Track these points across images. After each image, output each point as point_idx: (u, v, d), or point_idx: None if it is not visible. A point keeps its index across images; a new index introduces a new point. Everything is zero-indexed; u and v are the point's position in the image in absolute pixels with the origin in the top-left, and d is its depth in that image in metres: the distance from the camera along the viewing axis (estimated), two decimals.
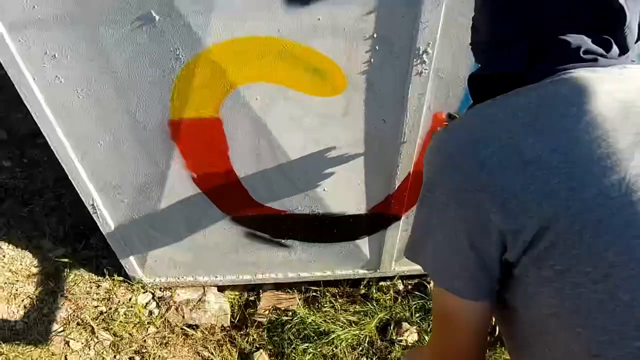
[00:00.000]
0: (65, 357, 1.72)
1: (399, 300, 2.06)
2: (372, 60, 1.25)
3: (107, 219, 1.66)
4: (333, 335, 1.90)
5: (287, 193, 1.61)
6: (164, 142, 1.41)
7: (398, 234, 1.80)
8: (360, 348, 1.93)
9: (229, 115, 1.36)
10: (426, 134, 1.45)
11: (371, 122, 1.41)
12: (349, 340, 1.92)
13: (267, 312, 2.06)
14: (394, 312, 2.02)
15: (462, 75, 1.31)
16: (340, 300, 2.09)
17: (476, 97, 0.68)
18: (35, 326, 1.75)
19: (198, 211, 1.67)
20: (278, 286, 2.12)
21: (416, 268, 2.03)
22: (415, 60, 1.24)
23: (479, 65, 0.71)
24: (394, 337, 1.95)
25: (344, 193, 1.63)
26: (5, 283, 1.82)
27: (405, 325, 1.98)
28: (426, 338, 1.93)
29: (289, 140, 1.44)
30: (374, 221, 1.76)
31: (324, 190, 1.61)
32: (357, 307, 2.05)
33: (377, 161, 1.53)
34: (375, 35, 1.20)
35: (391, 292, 2.09)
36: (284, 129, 1.41)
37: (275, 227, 1.77)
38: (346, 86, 1.31)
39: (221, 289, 2.11)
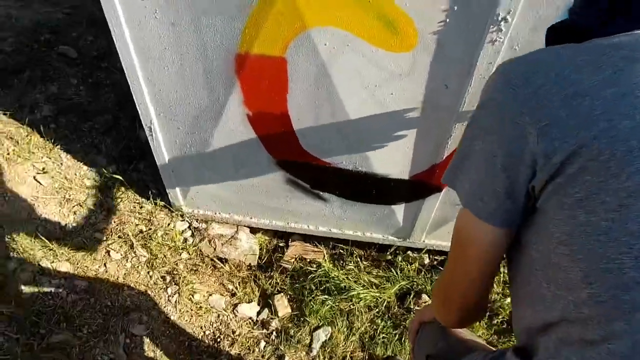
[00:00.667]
0: (105, 264, 1.85)
1: (423, 272, 2.08)
2: (447, 20, 1.22)
3: (160, 144, 1.73)
4: (353, 293, 1.95)
5: (336, 146, 1.63)
6: (227, 74, 1.44)
7: (436, 205, 1.79)
8: (377, 310, 1.97)
9: (295, 57, 1.37)
10: None
11: (433, 85, 1.39)
12: (368, 301, 1.97)
13: (293, 260, 2.12)
14: (415, 283, 2.04)
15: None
16: (365, 262, 2.12)
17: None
18: (82, 231, 1.87)
19: (246, 151, 1.71)
20: (307, 238, 2.17)
21: (445, 244, 2.03)
22: (492, 26, 1.20)
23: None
24: (412, 306, 1.98)
25: (390, 155, 1.63)
26: (61, 188, 1.95)
27: (424, 297, 2.00)
28: None
29: (348, 93, 1.44)
30: (415, 189, 1.76)
31: (372, 149, 1.61)
32: (381, 271, 2.09)
33: (431, 127, 1.51)
34: None
35: (416, 263, 2.11)
36: (345, 80, 1.41)
37: (317, 178, 1.79)
38: (416, 44, 1.29)
39: (253, 230, 2.18)
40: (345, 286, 1.97)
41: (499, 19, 1.18)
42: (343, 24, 1.27)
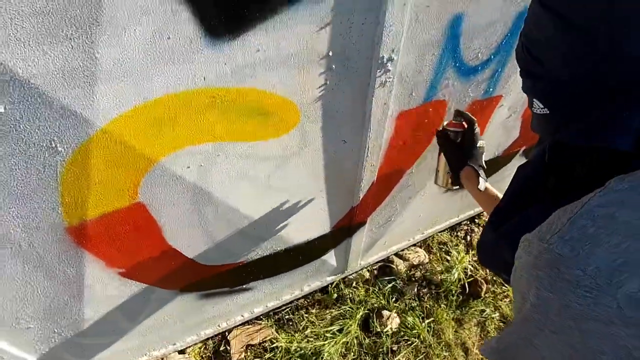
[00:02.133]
0: None
1: (370, 290, 1.95)
2: (327, 82, 0.95)
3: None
4: (324, 354, 1.74)
5: (243, 247, 1.30)
6: (66, 252, 0.97)
7: (363, 235, 1.63)
8: (352, 353, 1.81)
9: (153, 196, 0.96)
10: (390, 137, 1.23)
11: (330, 147, 1.13)
12: (339, 351, 1.78)
13: (242, 352, 1.79)
14: (370, 304, 1.91)
15: (425, 72, 1.09)
16: (314, 311, 1.90)
17: (563, 171, 0.57)
18: None
19: (137, 300, 1.26)
20: (245, 322, 1.84)
21: (380, 254, 1.91)
22: (378, 71, 0.97)
23: (545, 113, 0.56)
24: (379, 329, 1.86)
25: (306, 223, 1.37)
26: None
27: (385, 313, 1.89)
28: (407, 319, 1.88)
29: (239, 197, 1.10)
30: (339, 234, 1.56)
31: (285, 229, 1.33)
32: (333, 311, 1.90)
33: (340, 181, 1.28)
34: (330, 54, 0.89)
35: (360, 284, 1.97)
36: (230, 187, 1.06)
37: (234, 279, 1.45)
38: (299, 119, 1.00)
39: (182, 350, 1.76)
40: (312, 351, 1.75)
41: (385, 61, 0.95)
42: (206, 139, 0.90)
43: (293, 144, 1.05)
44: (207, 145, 0.92)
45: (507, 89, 1.36)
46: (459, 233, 2.19)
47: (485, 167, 1.02)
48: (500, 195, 0.90)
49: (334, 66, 0.92)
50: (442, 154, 1.08)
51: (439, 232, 2.11)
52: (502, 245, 0.67)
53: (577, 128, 0.55)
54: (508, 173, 1.97)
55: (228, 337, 1.84)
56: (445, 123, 1.06)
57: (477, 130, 1.02)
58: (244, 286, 1.55)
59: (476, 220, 2.25)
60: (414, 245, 2.07)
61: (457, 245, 2.13)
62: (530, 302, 0.48)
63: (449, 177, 1.09)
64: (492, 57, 1.17)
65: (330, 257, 1.67)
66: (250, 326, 1.87)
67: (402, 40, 0.94)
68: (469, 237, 2.18)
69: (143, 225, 1.03)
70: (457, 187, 1.07)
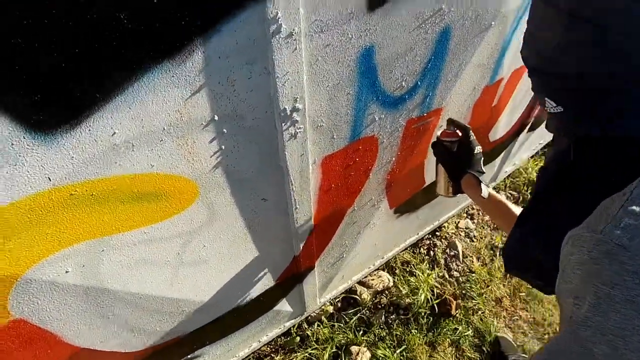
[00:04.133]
0: None
1: (335, 326, 1.81)
2: (222, 147, 0.79)
3: None
4: None
5: (172, 326, 1.12)
6: None
7: (315, 277, 1.48)
8: None
9: (32, 309, 0.78)
10: (319, 184, 1.07)
11: (248, 209, 0.97)
12: None
13: None
14: (337, 341, 1.77)
15: (343, 113, 0.94)
16: (277, 358, 1.74)
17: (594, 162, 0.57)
18: None
19: None
20: None
21: (340, 287, 1.77)
22: (284, 124, 0.81)
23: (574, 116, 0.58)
24: None
25: (242, 284, 1.20)
26: None
27: (353, 348, 1.75)
28: (378, 351, 1.74)
29: (146, 283, 0.93)
30: (287, 284, 1.40)
31: (217, 296, 1.16)
32: (299, 355, 1.74)
33: (271, 238, 1.13)
34: (216, 118, 0.73)
35: (324, 320, 1.82)
36: (131, 277, 0.88)
37: (172, 355, 1.27)
38: (199, 192, 0.83)
39: None
40: None
41: (288, 113, 0.80)
42: (80, 237, 0.73)
43: (199, 217, 0.89)
44: (84, 245, 0.75)
45: (444, 110, 1.23)
46: (421, 249, 2.07)
47: (484, 172, 1.01)
48: (505, 200, 0.95)
49: (225, 130, 0.76)
50: (440, 164, 1.08)
51: (400, 252, 1.99)
52: (531, 244, 0.67)
53: (594, 121, 0.55)
54: None
55: None
56: (439, 133, 1.05)
57: (473, 137, 1.02)
58: (190, 356, 1.37)
59: (437, 233, 2.14)
60: (377, 269, 1.94)
61: (420, 262, 2.01)
62: (587, 303, 0.44)
63: (449, 185, 1.08)
64: (419, 82, 1.04)
65: (284, 305, 1.52)
66: None
67: (304, 87, 0.79)
68: (431, 252, 2.06)
69: (34, 337, 0.84)
70: (460, 194, 1.07)
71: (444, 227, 2.16)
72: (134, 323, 1.02)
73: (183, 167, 0.76)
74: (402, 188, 1.43)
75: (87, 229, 0.73)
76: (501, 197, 0.97)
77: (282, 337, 1.80)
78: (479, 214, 2.33)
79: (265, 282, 1.29)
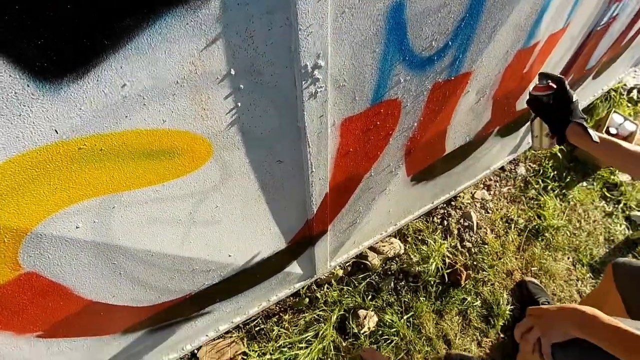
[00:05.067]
0: None
1: (344, 289, 1.82)
2: (238, 104, 0.74)
3: None
4: None
5: (183, 283, 1.13)
6: None
7: (327, 241, 1.46)
8: (329, 359, 1.69)
9: (44, 262, 0.77)
10: (337, 146, 1.03)
11: (263, 170, 0.94)
12: (315, 358, 1.67)
13: None
14: (345, 304, 1.78)
15: (368, 73, 0.88)
16: (286, 317, 1.77)
17: None
18: None
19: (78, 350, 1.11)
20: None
21: (351, 252, 1.76)
22: (304, 82, 0.76)
23: None
24: (356, 330, 1.74)
25: (254, 246, 1.19)
26: None
27: (361, 312, 1.77)
28: (385, 316, 1.76)
29: (159, 241, 0.92)
30: (298, 247, 1.39)
31: (229, 256, 1.15)
32: (307, 316, 1.77)
33: (285, 201, 1.10)
34: (233, 72, 0.68)
35: (333, 283, 1.83)
36: (143, 235, 0.87)
37: (184, 310, 1.29)
38: (212, 150, 0.80)
39: None
40: None
41: (310, 70, 0.74)
42: (90, 192, 0.71)
43: (212, 177, 0.86)
44: (94, 201, 0.73)
45: (472, 74, 1.15)
46: (434, 219, 2.03)
47: (586, 117, 1.03)
48: (616, 140, 0.99)
49: (241, 86, 0.71)
50: (536, 119, 1.10)
51: (414, 220, 1.96)
52: None
53: None
54: (484, 154, 1.79)
55: (197, 355, 1.72)
56: (531, 88, 1.08)
57: (568, 86, 1.03)
58: (201, 312, 1.39)
59: (452, 203, 2.09)
60: (389, 236, 1.92)
61: (433, 231, 1.98)
62: None
63: (550, 138, 1.11)
64: (450, 43, 0.96)
65: (294, 267, 1.52)
66: (221, 340, 1.74)
67: (328, 42, 0.73)
68: (445, 222, 2.03)
69: (46, 290, 0.85)
70: (561, 145, 1.10)
71: (460, 196, 2.12)
72: (145, 279, 1.02)
73: (197, 124, 0.72)
74: (421, 155, 1.37)
75: (98, 185, 0.71)
76: (611, 138, 0.99)
77: (292, 298, 1.82)
78: (496, 185, 2.27)
79: (277, 244, 1.28)
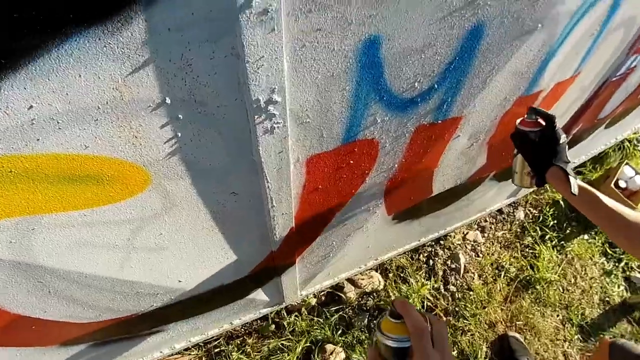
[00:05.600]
0: None
1: (314, 320, 1.72)
2: (178, 134, 0.66)
3: None
4: None
5: (125, 303, 1.05)
6: None
7: (296, 272, 1.38)
8: None
9: None
10: (303, 183, 0.95)
11: (214, 201, 0.86)
12: None
13: None
14: (312, 336, 1.69)
15: (336, 110, 0.79)
16: (250, 341, 1.69)
17: None
18: None
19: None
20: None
21: (325, 283, 1.67)
22: (257, 116, 0.68)
23: None
24: None
25: (208, 273, 1.11)
26: None
27: (328, 347, 1.67)
28: (354, 355, 1.66)
29: (91, 264, 0.84)
30: (262, 276, 1.31)
31: (179, 282, 1.07)
32: (272, 342, 1.68)
33: (244, 232, 1.02)
34: (168, 101, 0.60)
35: (304, 312, 1.74)
36: (71, 257, 0.80)
37: (131, 328, 1.22)
38: (150, 179, 0.72)
39: None
40: None
41: (263, 105, 0.66)
42: (9, 212, 0.63)
43: (152, 205, 0.78)
44: (8, 222, 0.65)
45: (463, 119, 1.06)
46: (421, 256, 1.93)
47: (570, 161, 0.97)
48: (597, 194, 0.90)
49: (180, 116, 0.63)
50: (518, 155, 1.03)
51: (397, 256, 1.86)
52: None
53: None
54: (478, 196, 1.69)
55: None
56: (518, 122, 1.00)
57: (557, 125, 0.95)
58: (152, 330, 1.31)
59: (441, 241, 1.99)
60: (369, 270, 1.83)
61: (417, 270, 1.88)
62: None
63: (529, 177, 1.05)
64: (436, 86, 0.87)
65: (259, 295, 1.43)
66: (179, 356, 1.66)
67: (284, 77, 0.64)
68: (431, 261, 1.93)
69: None
70: (541, 187, 1.04)
71: (450, 236, 2.01)
72: (81, 299, 0.94)
73: (128, 151, 0.65)
74: (404, 195, 1.28)
75: (11, 206, 0.63)
76: (592, 190, 0.92)
77: (259, 321, 1.74)
78: (491, 227, 2.16)
79: (236, 273, 1.20)
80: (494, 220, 2.19)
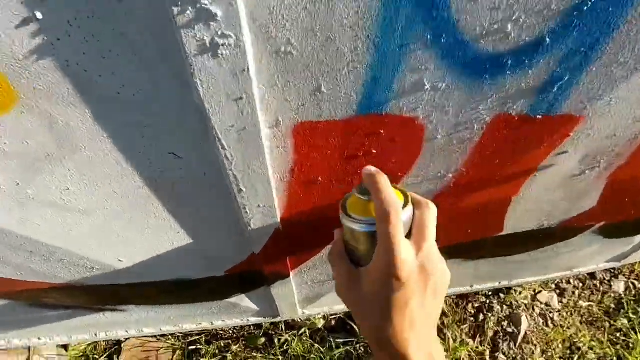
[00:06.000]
0: None
1: (315, 347, 1.38)
2: (37, 16, 0.36)
3: None
4: None
5: (49, 268, 0.80)
6: None
7: (292, 288, 1.04)
8: None
9: None
10: (290, 164, 0.61)
11: (145, 161, 0.56)
12: None
13: None
14: None
15: (346, 37, 0.44)
16: (234, 348, 1.40)
17: None
18: None
19: None
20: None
21: (337, 308, 1.31)
22: (174, 7, 0.35)
23: None
24: None
25: (162, 259, 0.82)
26: None
27: None
28: None
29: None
30: (244, 281, 1.00)
31: (120, 261, 0.80)
32: (258, 356, 1.37)
33: (202, 215, 0.71)
34: None
35: (306, 333, 1.40)
36: None
37: (73, 298, 0.99)
38: (14, 92, 0.43)
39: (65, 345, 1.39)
40: None
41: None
42: None
43: (34, 138, 0.50)
44: None
45: (581, 124, 0.63)
46: (469, 306, 1.48)
47: None
48: None
49: None
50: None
51: None
52: None
53: None
54: (567, 250, 1.20)
55: (122, 345, 1.43)
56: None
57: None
58: (106, 306, 1.08)
59: (501, 294, 1.51)
60: None
61: (460, 322, 1.44)
62: None
63: None
64: (549, 41, 0.47)
65: (243, 301, 1.13)
66: (154, 341, 1.43)
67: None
68: (481, 316, 1.47)
69: None
70: None
71: (515, 290, 1.53)
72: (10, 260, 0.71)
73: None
74: (457, 225, 0.88)
75: None
76: None
77: (252, 327, 1.44)
78: (574, 292, 1.63)
79: (206, 269, 0.90)
80: (581, 285, 1.65)
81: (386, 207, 0.43)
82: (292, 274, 0.96)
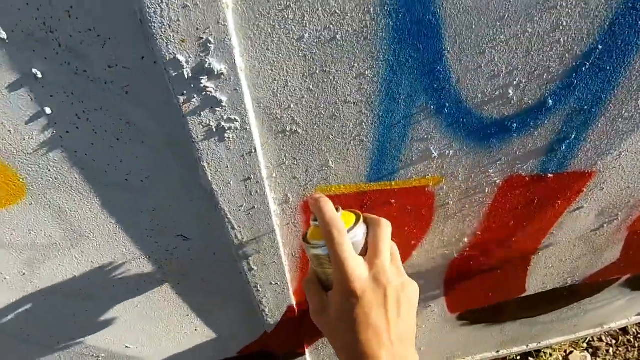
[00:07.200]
0: None
1: None
2: (46, 111, 0.36)
3: None
4: None
5: (51, 355, 0.74)
6: None
7: None
8: None
9: None
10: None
11: (153, 245, 0.53)
12: None
13: None
14: None
15: (349, 112, 0.43)
16: None
17: None
18: None
19: None
20: None
21: None
22: (181, 97, 0.35)
23: None
24: None
25: (172, 344, 0.76)
26: None
27: None
28: None
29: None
30: (257, 358, 0.92)
31: (126, 347, 0.74)
32: None
33: (212, 297, 0.66)
34: (3, 37, 0.30)
35: None
36: None
37: None
38: (23, 185, 0.42)
39: None
40: None
41: (186, 70, 0.33)
42: None
43: (42, 228, 0.48)
44: None
45: (594, 178, 0.61)
46: None
47: None
48: None
49: (38, 74, 0.33)
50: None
51: None
52: None
53: None
54: (595, 306, 1.12)
55: None
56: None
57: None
58: None
59: (530, 358, 1.39)
60: None
61: None
62: None
63: None
64: (552, 102, 0.46)
65: None
66: None
67: (227, 16, 0.31)
68: None
69: None
70: None
71: (545, 353, 1.40)
72: None
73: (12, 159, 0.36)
74: (477, 290, 0.82)
75: None
76: None
77: None
78: (607, 350, 1.49)
79: (219, 352, 0.83)
80: (614, 342, 1.51)
81: (329, 227, 0.42)
82: (307, 351, 0.89)
